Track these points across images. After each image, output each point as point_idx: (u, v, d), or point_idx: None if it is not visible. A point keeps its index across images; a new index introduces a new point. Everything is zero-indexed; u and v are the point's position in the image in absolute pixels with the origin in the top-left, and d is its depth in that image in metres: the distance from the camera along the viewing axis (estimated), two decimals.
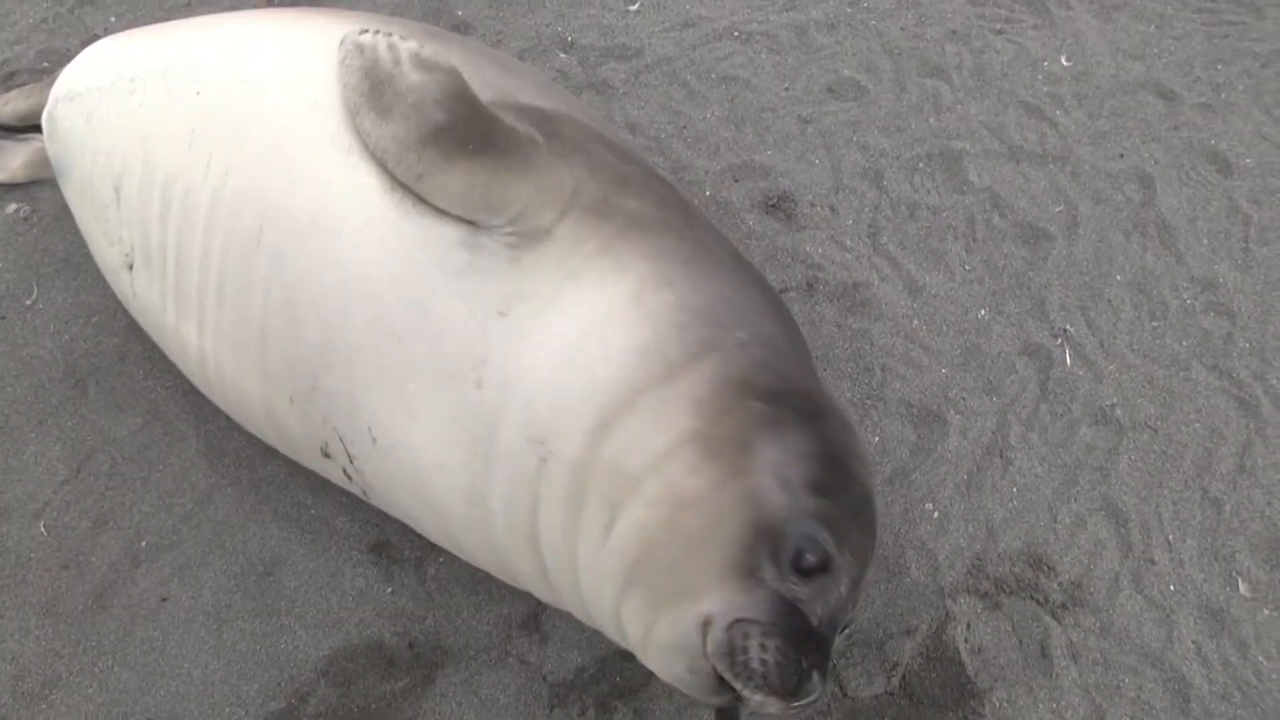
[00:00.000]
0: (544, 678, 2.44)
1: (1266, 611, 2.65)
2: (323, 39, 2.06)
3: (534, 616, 2.50)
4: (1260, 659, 2.59)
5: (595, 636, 2.48)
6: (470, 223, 1.87)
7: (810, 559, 1.65)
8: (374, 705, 2.40)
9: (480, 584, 2.52)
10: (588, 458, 1.75)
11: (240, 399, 2.19)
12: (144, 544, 2.54)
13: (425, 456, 1.89)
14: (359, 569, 2.53)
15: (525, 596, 2.50)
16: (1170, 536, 2.72)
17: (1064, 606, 2.61)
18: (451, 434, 1.85)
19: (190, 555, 2.53)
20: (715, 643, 1.60)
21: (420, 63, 1.92)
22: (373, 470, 2.02)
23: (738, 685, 1.61)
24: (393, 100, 1.86)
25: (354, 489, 2.20)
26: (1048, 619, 2.59)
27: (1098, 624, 2.61)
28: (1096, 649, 2.58)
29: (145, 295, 2.25)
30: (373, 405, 1.91)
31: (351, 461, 2.05)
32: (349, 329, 1.90)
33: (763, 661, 1.57)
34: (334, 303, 1.90)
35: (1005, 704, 2.51)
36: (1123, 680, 2.56)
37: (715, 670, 1.63)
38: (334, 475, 2.20)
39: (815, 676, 1.63)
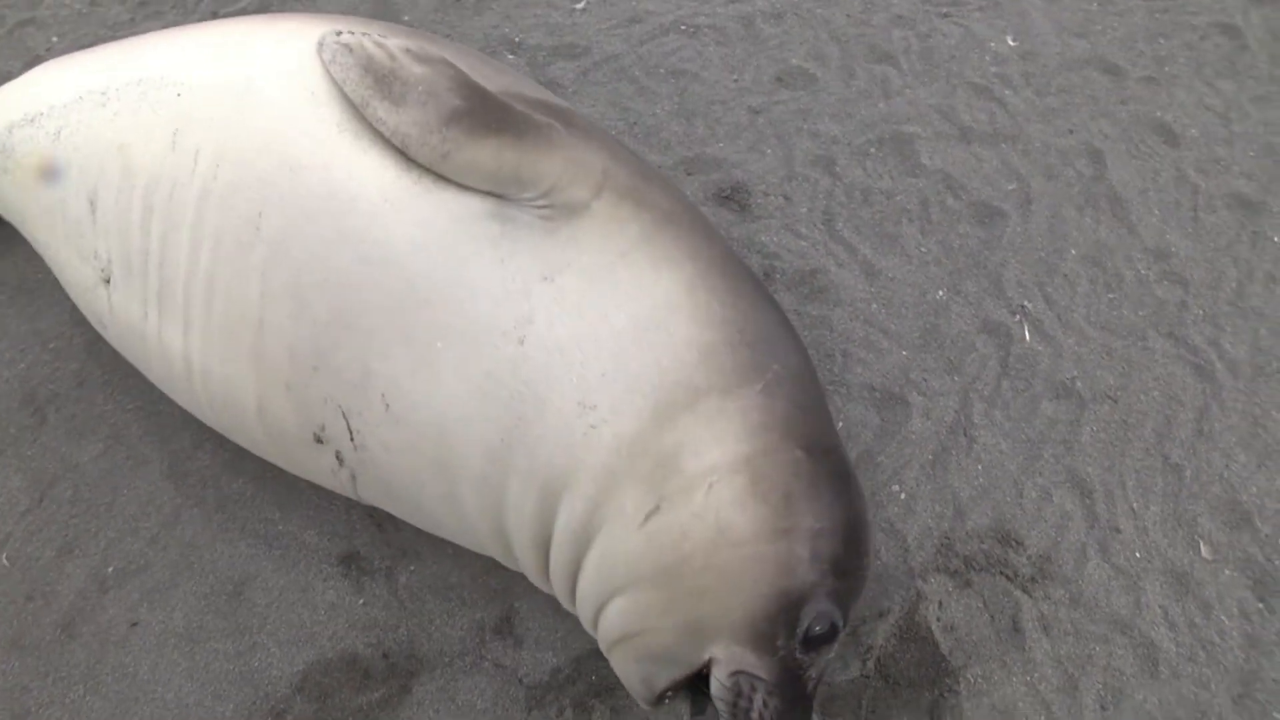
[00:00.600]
0: (520, 680, 2.42)
1: (1227, 572, 2.67)
2: (303, 39, 2.04)
3: (507, 620, 2.48)
4: (1223, 618, 2.62)
5: (570, 637, 2.47)
6: (497, 196, 1.87)
7: (820, 634, 1.81)
8: (351, 718, 2.37)
9: (452, 590, 2.49)
10: (645, 439, 1.78)
11: (228, 399, 2.14)
12: (111, 570, 2.49)
13: (451, 413, 1.87)
14: (329, 582, 2.50)
15: (498, 600, 2.48)
16: (1134, 504, 2.73)
17: (1033, 580, 2.62)
18: (484, 388, 1.84)
19: (159, 578, 2.49)
20: (720, 686, 1.80)
21: (416, 57, 1.92)
22: (378, 442, 1.98)
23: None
24: (403, 90, 1.86)
25: (340, 477, 2.14)
26: (1018, 593, 2.60)
27: (1067, 595, 2.62)
28: (1067, 620, 2.59)
29: (124, 307, 2.20)
30: (391, 372, 1.89)
31: (352, 438, 2.01)
32: (366, 303, 1.88)
33: (761, 716, 1.79)
34: (348, 279, 1.88)
35: (980, 680, 2.52)
36: (1094, 649, 2.57)
37: (662, 692, 1.89)
38: (321, 464, 2.14)
39: None
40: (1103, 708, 2.52)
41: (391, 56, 1.91)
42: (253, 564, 2.52)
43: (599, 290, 1.85)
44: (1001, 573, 2.62)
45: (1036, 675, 2.54)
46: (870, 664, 2.50)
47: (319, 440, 2.07)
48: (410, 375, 1.89)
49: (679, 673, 1.88)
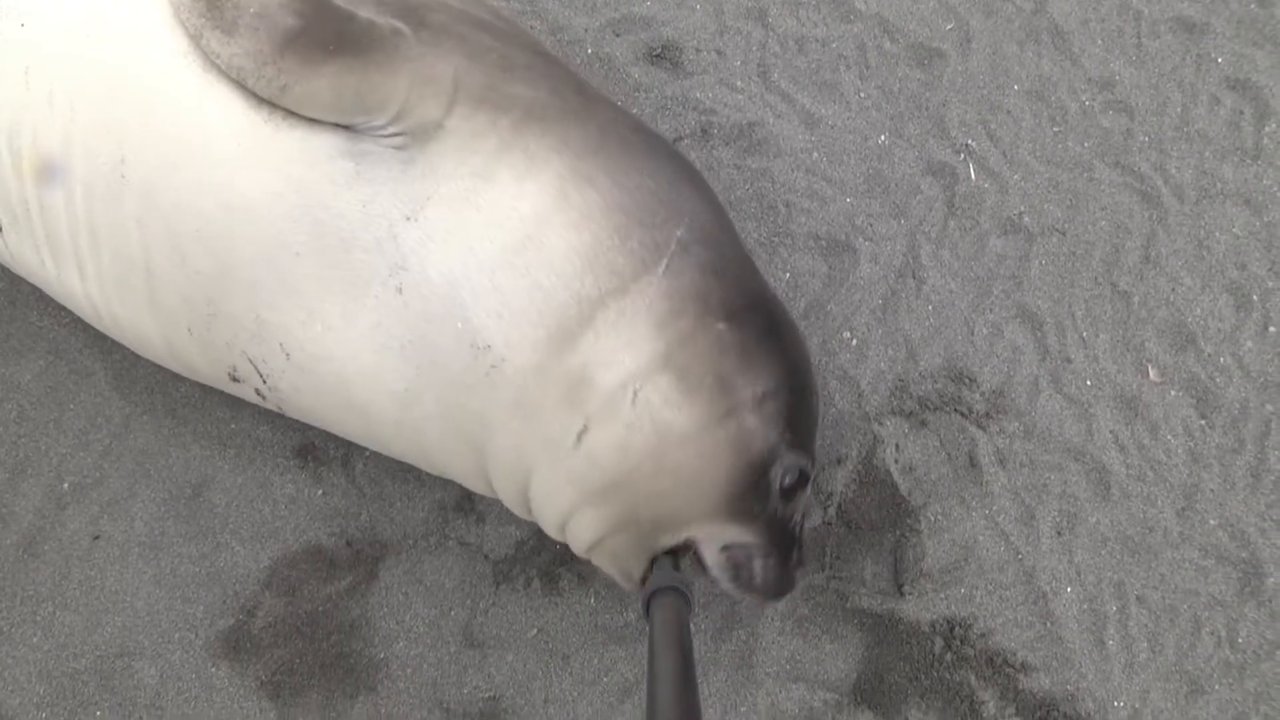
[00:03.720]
0: (485, 556, 2.37)
1: (1174, 393, 2.63)
2: None
3: (468, 498, 2.41)
4: (1169, 438, 2.59)
5: None
6: (348, 128, 1.70)
7: (792, 484, 1.80)
8: (321, 608, 2.32)
9: (410, 472, 2.42)
10: (549, 368, 1.68)
11: (138, 338, 2.04)
12: (66, 485, 2.39)
13: (350, 366, 1.78)
14: (287, 476, 2.42)
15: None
16: (1084, 334, 2.66)
17: (988, 415, 2.57)
18: (377, 340, 1.74)
19: (116, 489, 2.40)
20: (715, 563, 1.81)
21: None
22: (289, 386, 1.90)
23: (739, 594, 1.87)
24: (235, 14, 1.64)
25: (268, 405, 2.08)
26: (973, 429, 2.55)
27: (1021, 428, 2.57)
28: (1022, 452, 2.55)
29: (20, 253, 2.04)
30: (282, 323, 1.78)
31: (264, 381, 1.93)
32: (240, 254, 1.74)
33: (765, 578, 1.82)
34: (218, 230, 1.73)
35: (940, 517, 2.49)
36: (1049, 478, 2.54)
37: (643, 575, 1.87)
38: (247, 396, 2.08)
39: (804, 570, 1.92)
40: (1059, 533, 2.50)
41: None
42: (209, 466, 2.42)
43: (463, 221, 1.68)
44: (956, 410, 2.56)
45: (995, 508, 2.51)
46: (831, 511, 2.46)
47: (234, 379, 1.99)
48: (301, 326, 1.77)
49: (643, 562, 1.87)
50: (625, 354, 1.67)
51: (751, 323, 1.78)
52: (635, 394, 1.66)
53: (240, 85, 1.68)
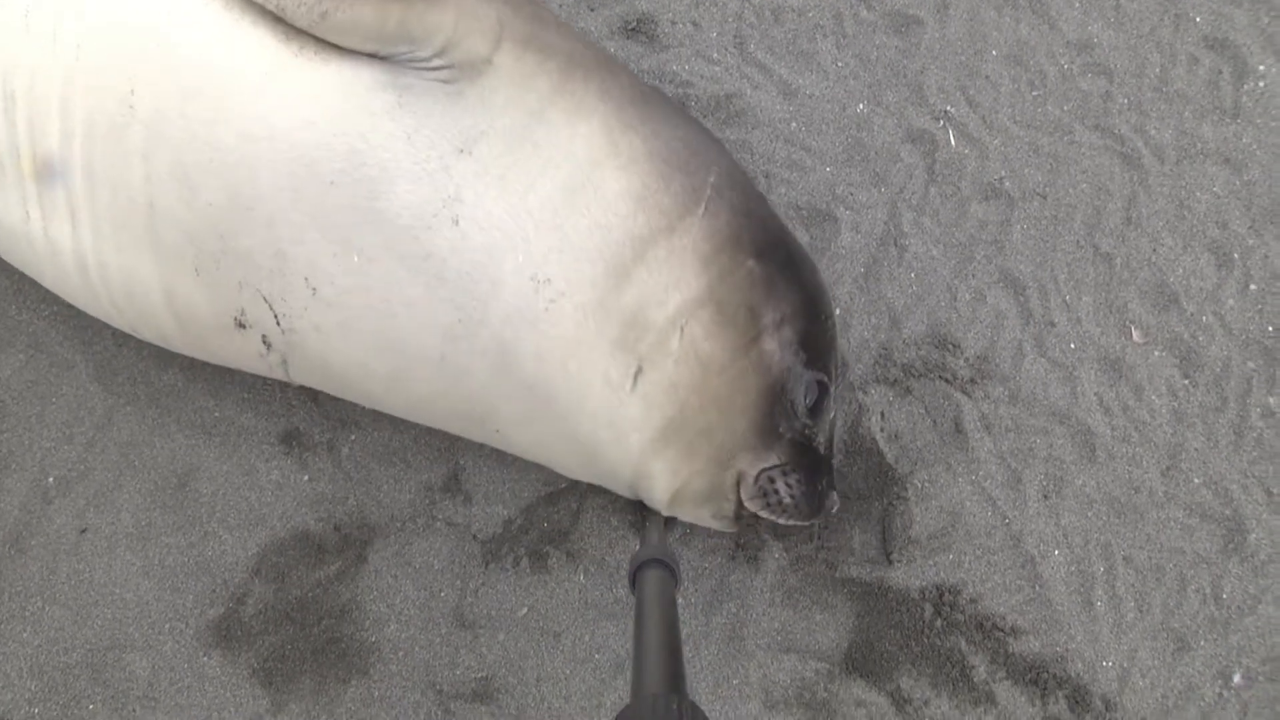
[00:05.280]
0: (474, 536, 2.35)
1: (1157, 353, 2.62)
2: None
3: (454, 478, 2.38)
4: (1153, 398, 2.58)
5: (518, 487, 2.39)
6: (385, 60, 1.68)
7: (812, 401, 1.87)
8: (311, 594, 2.29)
9: (396, 455, 2.39)
10: (607, 304, 1.72)
11: (132, 293, 1.94)
12: (51, 479, 2.36)
13: (394, 298, 1.74)
14: (272, 462, 2.39)
15: (443, 460, 2.39)
16: (1067, 297, 2.64)
17: (972, 381, 2.55)
18: (430, 270, 1.71)
19: (101, 481, 2.36)
20: (750, 493, 1.86)
21: None
22: (310, 325, 1.83)
23: (773, 518, 1.90)
24: None
25: (269, 361, 1.98)
26: (958, 395, 2.53)
27: (1006, 392, 2.55)
28: (1007, 416, 2.54)
29: (3, 212, 1.98)
30: (309, 256, 1.73)
31: (279, 322, 1.85)
32: (261, 185, 1.70)
33: (791, 496, 1.87)
34: (236, 159, 1.69)
35: (927, 484, 2.47)
36: (1034, 441, 2.53)
37: (737, 511, 1.93)
38: (246, 350, 1.98)
39: (833, 495, 1.98)
40: (1045, 496, 2.49)
41: None
42: (194, 455, 2.39)
43: (522, 157, 1.71)
44: (941, 377, 2.54)
45: (981, 473, 2.49)
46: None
47: (241, 325, 1.90)
48: (334, 259, 1.72)
49: (731, 494, 1.90)
50: (674, 291, 1.74)
51: (775, 257, 1.87)
52: (682, 329, 1.74)
53: (272, 16, 1.67)
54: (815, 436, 1.94)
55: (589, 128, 1.76)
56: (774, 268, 1.85)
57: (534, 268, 1.71)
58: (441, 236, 1.69)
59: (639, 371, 1.74)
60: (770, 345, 1.80)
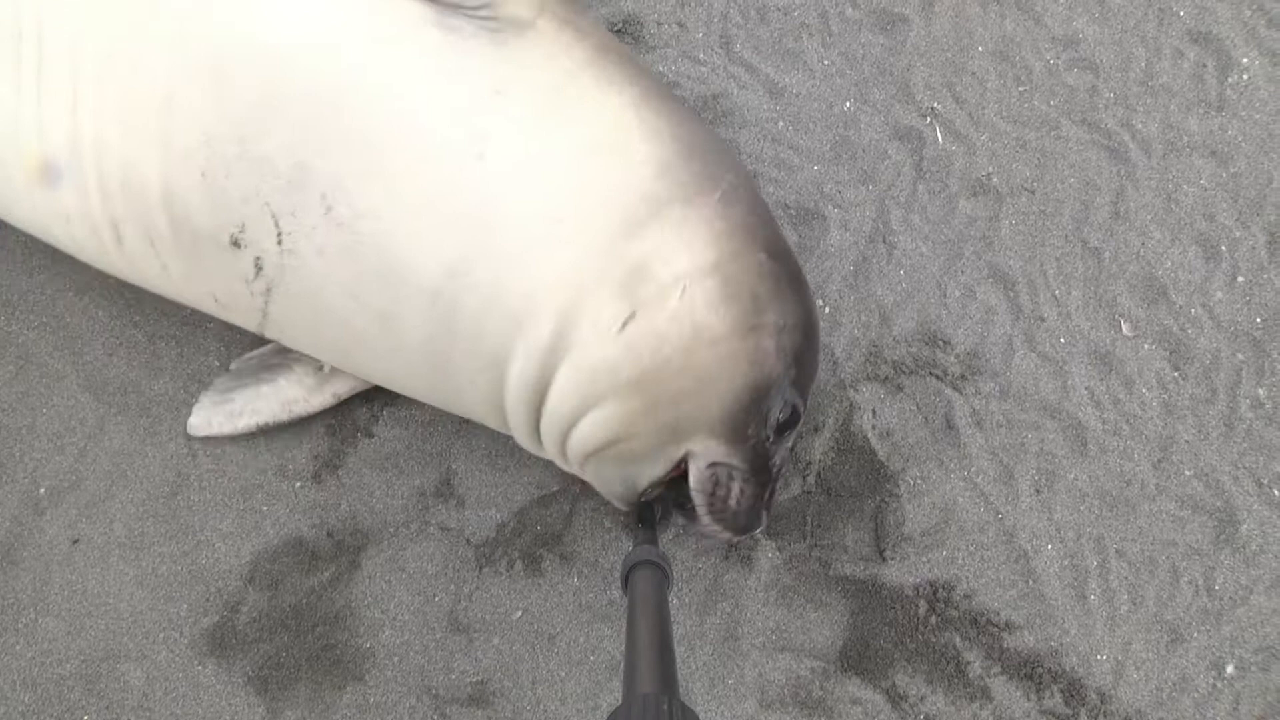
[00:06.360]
0: (467, 540, 2.34)
1: (1147, 346, 2.62)
2: None
3: (447, 483, 2.38)
4: (1144, 391, 2.58)
5: (510, 490, 2.38)
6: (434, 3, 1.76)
7: (785, 420, 1.88)
8: (305, 601, 2.29)
9: (388, 460, 2.38)
10: (616, 249, 1.74)
11: (126, 181, 1.86)
12: (43, 490, 2.35)
13: (404, 227, 1.75)
14: (265, 470, 2.38)
15: (435, 464, 2.38)
16: (1056, 292, 2.64)
17: (963, 377, 2.55)
18: (446, 199, 1.74)
19: (93, 492, 2.35)
20: (697, 478, 1.84)
21: None
22: (312, 248, 1.80)
23: (703, 514, 1.90)
24: None
25: (252, 290, 1.92)
26: (949, 391, 2.53)
27: (997, 388, 2.55)
28: (998, 412, 2.54)
29: None
30: (333, 172, 1.74)
31: (280, 241, 1.82)
32: (297, 88, 1.72)
33: (738, 503, 1.88)
34: (276, 58, 1.72)
35: (919, 480, 2.47)
36: (1026, 436, 2.53)
37: (651, 486, 1.92)
38: (231, 273, 1.91)
39: (764, 515, 1.98)
40: (1037, 491, 2.49)
41: None
42: (185, 463, 2.38)
43: (553, 107, 1.77)
44: (931, 373, 2.54)
45: (973, 469, 2.49)
46: (811, 479, 2.44)
47: (236, 244, 1.86)
48: (356, 179, 1.74)
49: (659, 470, 1.88)
50: (684, 253, 1.75)
51: (784, 264, 1.89)
52: (684, 290, 1.74)
53: None
54: (773, 456, 1.92)
55: (619, 100, 1.81)
56: (782, 271, 1.87)
57: (552, 208, 1.73)
58: (466, 169, 1.72)
59: (631, 318, 1.73)
60: (768, 343, 1.80)
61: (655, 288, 1.73)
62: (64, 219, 2.00)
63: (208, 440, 2.38)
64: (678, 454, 1.85)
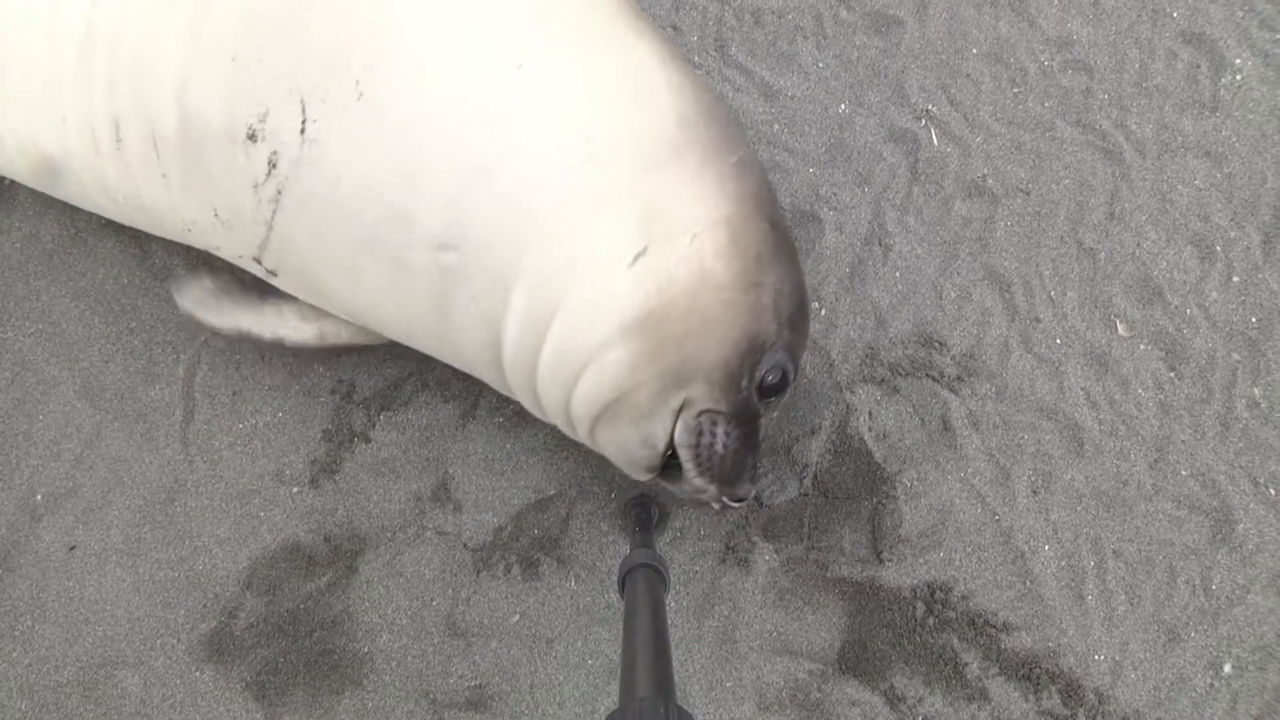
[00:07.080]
0: (464, 544, 2.34)
1: (1142, 346, 2.62)
2: None
3: (443, 487, 2.38)
4: (1140, 391, 2.58)
5: (507, 494, 2.38)
6: None
7: (774, 384, 1.87)
8: (303, 605, 2.28)
9: (385, 465, 2.38)
10: (638, 179, 1.75)
11: (139, 72, 1.82)
12: (40, 497, 2.35)
13: (436, 118, 1.73)
14: (261, 475, 2.37)
15: (431, 469, 2.38)
16: (1052, 293, 2.64)
17: (959, 379, 2.55)
18: (480, 101, 1.74)
19: (90, 498, 2.35)
20: (685, 427, 1.82)
21: None
22: (339, 134, 1.76)
23: (689, 466, 1.86)
24: None
25: (259, 197, 1.84)
26: (945, 393, 2.53)
27: (993, 389, 2.55)
28: (995, 413, 2.54)
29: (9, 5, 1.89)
30: (373, 55, 1.74)
31: (304, 129, 1.77)
32: None
33: (724, 447, 1.84)
34: None
35: (916, 482, 2.47)
36: (1022, 438, 2.53)
37: (668, 443, 1.85)
38: (239, 174, 1.85)
39: (750, 488, 1.96)
40: (1034, 492, 2.49)
41: None
42: (182, 469, 2.38)
43: (587, 37, 1.81)
44: (928, 375, 2.54)
45: (970, 470, 2.49)
46: (808, 482, 2.44)
47: (252, 137, 1.80)
48: (393, 66, 1.74)
49: (665, 424, 1.84)
50: (697, 203, 1.77)
51: (785, 240, 1.92)
52: (695, 236, 1.75)
53: None
54: (760, 416, 1.92)
55: (649, 49, 1.85)
56: (783, 242, 1.90)
57: (582, 125, 1.74)
58: (503, 80, 1.73)
59: (643, 252, 1.73)
60: (767, 300, 1.81)
61: (668, 228, 1.75)
62: (59, 119, 1.95)
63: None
64: (677, 402, 1.81)
